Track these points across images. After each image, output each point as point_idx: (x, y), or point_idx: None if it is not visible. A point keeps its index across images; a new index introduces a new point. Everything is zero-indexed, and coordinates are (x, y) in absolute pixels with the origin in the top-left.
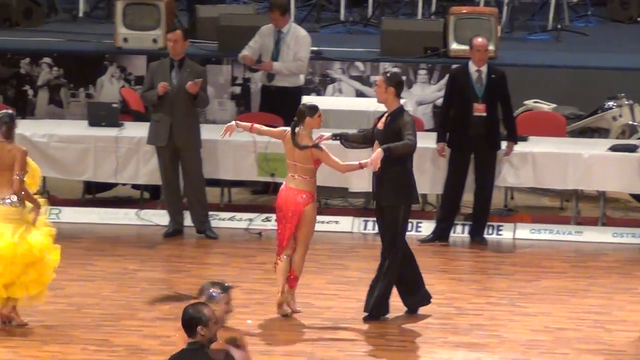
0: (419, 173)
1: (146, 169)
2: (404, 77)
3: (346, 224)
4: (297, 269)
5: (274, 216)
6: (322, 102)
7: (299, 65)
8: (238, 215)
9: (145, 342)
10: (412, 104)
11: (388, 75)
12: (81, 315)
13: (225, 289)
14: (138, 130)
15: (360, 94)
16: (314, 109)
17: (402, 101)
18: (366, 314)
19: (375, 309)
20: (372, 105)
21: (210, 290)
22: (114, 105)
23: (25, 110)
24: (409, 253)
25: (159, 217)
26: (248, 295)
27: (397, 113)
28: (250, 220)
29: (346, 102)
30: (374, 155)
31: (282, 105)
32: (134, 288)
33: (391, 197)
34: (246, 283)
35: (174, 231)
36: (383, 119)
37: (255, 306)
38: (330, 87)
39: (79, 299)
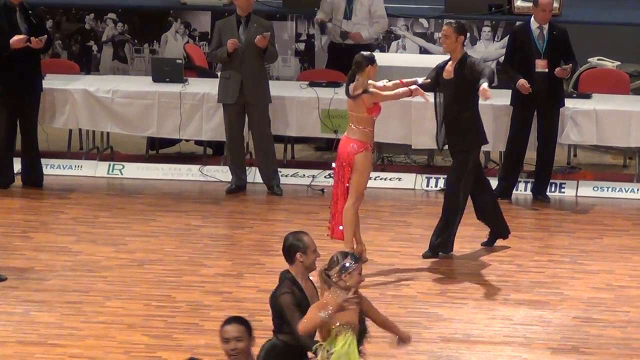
0: None
1: (209, 125)
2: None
3: (409, 181)
4: (343, 218)
5: None
6: (386, 59)
7: (382, 24)
8: (301, 171)
9: (207, 298)
10: None
11: (455, 25)
12: (144, 271)
13: (357, 259)
14: (202, 87)
15: (424, 51)
16: (372, 59)
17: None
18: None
19: (435, 247)
20: (435, 61)
21: (344, 262)
22: (178, 61)
23: (90, 66)
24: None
25: (222, 174)
26: None
27: (464, 60)
28: (314, 176)
29: (410, 58)
30: (484, 87)
31: (350, 63)
32: (196, 244)
33: (464, 142)
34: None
35: (236, 187)
36: (450, 69)
37: (318, 262)
38: (394, 44)
39: (142, 254)
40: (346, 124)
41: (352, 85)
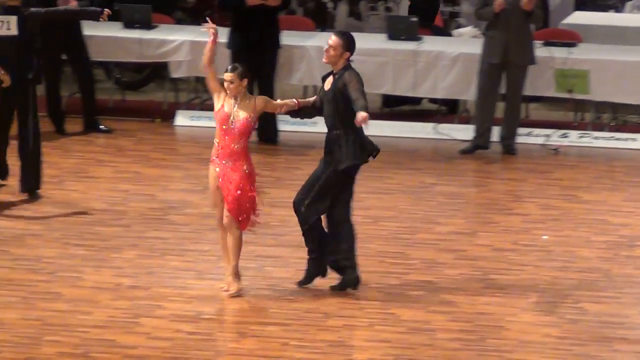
0: None
1: (444, 83)
2: None
3: None
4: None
5: (571, 132)
6: (622, 19)
7: None
8: (535, 131)
9: (441, 255)
10: None
11: (343, 38)
12: (378, 228)
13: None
14: (436, 45)
15: None
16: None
17: None
18: None
19: None
20: None
21: None
22: (413, 19)
23: (325, 22)
24: None
25: (457, 132)
26: (544, 211)
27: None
28: (547, 136)
29: None
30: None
31: None
32: (430, 202)
33: None
34: (542, 199)
35: (474, 147)
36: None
37: (551, 222)
38: (628, 5)
39: (376, 211)
40: (581, 84)
41: None
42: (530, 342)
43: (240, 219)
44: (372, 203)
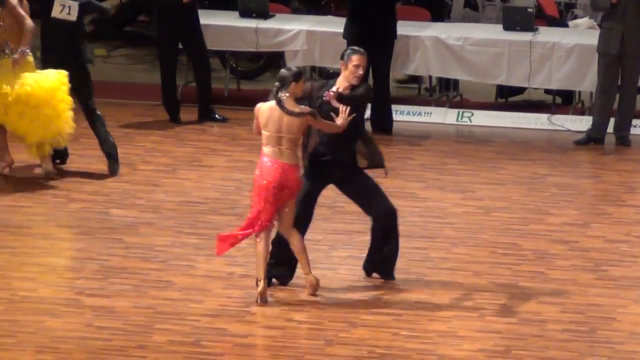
0: None
1: (559, 74)
2: None
3: None
4: (298, 248)
5: None
6: None
7: None
8: None
9: (553, 246)
10: None
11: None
12: (490, 219)
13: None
14: (552, 35)
15: None
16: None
17: None
18: None
19: None
20: None
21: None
22: (529, 9)
23: (441, 13)
24: None
25: (571, 123)
26: None
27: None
28: None
29: None
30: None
31: None
32: (543, 193)
33: None
34: None
35: (589, 139)
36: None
37: None
38: None
39: (489, 202)
40: None
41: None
42: None
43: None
44: (485, 193)
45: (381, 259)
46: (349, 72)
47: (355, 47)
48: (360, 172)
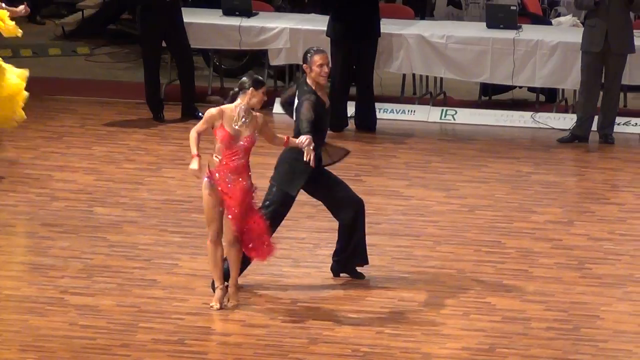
0: None
1: (543, 72)
2: None
3: None
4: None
5: None
6: None
7: None
8: (633, 120)
9: (537, 244)
10: None
11: None
12: (474, 217)
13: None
14: (536, 33)
15: None
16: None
17: None
18: None
19: None
20: None
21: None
22: (513, 7)
23: (425, 11)
24: None
25: (555, 121)
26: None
27: None
28: None
29: None
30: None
31: None
32: (527, 191)
33: None
34: (639, 188)
35: (573, 137)
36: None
37: None
38: None
39: (473, 200)
40: None
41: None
42: (625, 331)
43: (250, 245)
44: (468, 192)
45: (352, 249)
46: (315, 73)
47: (314, 48)
48: (323, 171)
